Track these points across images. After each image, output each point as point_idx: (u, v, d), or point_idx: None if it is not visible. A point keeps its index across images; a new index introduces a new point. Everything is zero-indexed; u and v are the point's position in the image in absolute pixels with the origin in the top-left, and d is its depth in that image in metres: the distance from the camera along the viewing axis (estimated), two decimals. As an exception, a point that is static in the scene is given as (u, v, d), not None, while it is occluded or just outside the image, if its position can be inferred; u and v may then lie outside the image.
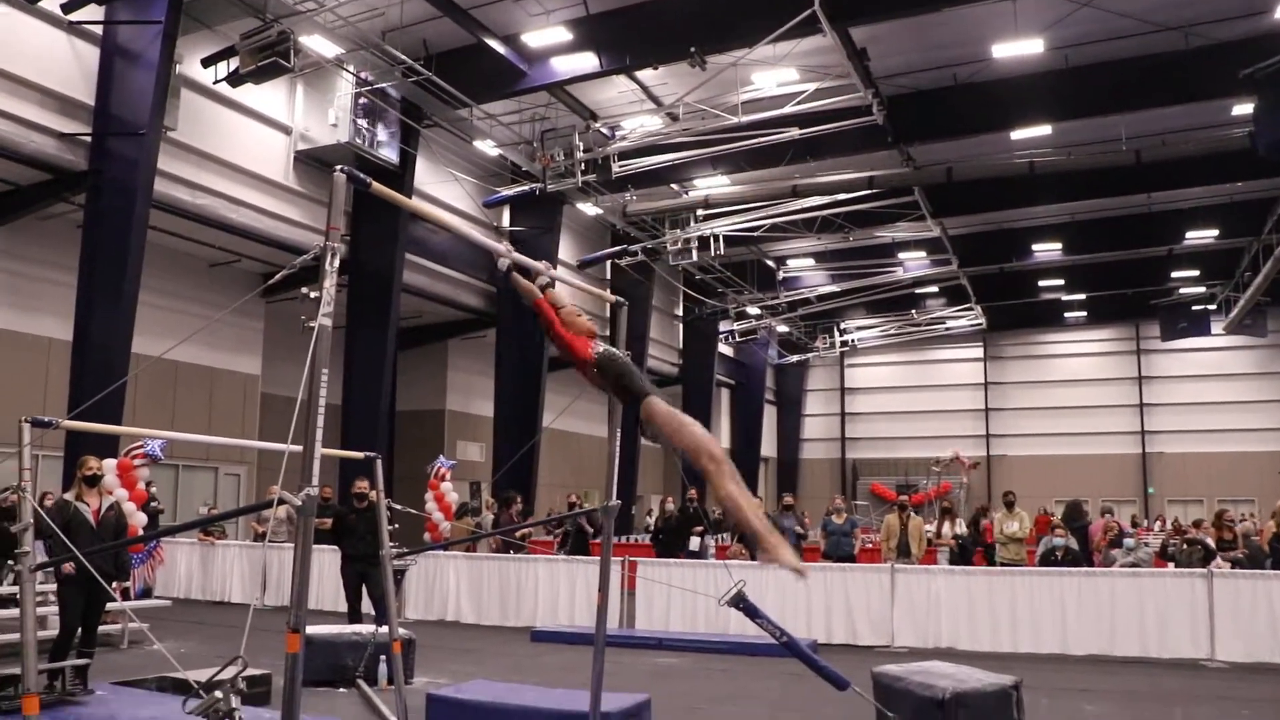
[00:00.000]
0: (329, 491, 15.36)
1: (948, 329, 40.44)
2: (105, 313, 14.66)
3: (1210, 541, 13.03)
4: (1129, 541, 13.53)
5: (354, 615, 11.09)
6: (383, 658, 8.80)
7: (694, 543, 15.96)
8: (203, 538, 16.41)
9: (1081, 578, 11.73)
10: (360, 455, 7.57)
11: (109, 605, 9.23)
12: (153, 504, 15.73)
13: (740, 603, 6.47)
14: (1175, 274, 33.36)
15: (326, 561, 14.68)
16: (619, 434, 6.45)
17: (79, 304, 14.92)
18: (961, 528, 16.26)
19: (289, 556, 14.00)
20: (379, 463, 7.44)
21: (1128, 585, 11.48)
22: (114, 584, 8.78)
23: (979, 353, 42.67)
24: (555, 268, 5.67)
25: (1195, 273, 33.10)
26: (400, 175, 19.62)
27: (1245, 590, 11.13)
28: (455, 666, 10.27)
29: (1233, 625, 11.04)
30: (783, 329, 39.97)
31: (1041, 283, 35.19)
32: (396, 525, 10.29)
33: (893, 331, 41.24)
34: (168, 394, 19.28)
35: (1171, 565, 12.93)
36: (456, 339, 27.25)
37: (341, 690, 8.81)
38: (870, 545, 17.42)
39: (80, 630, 7.70)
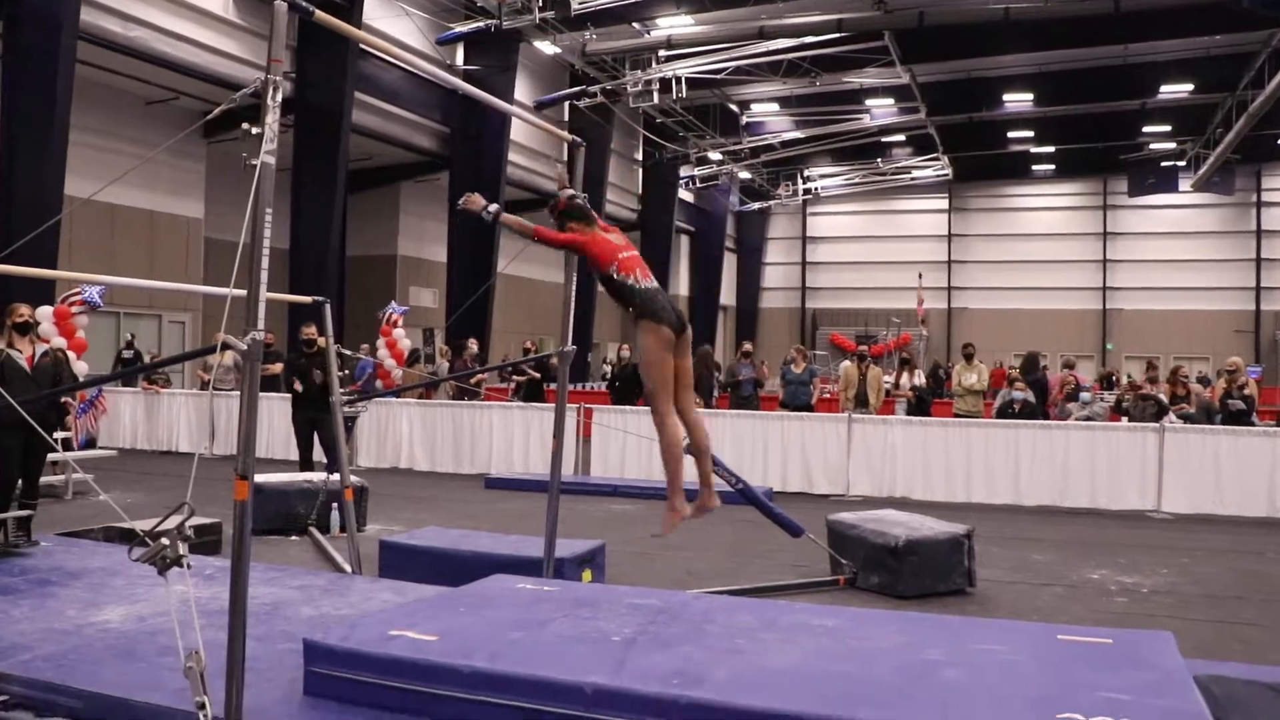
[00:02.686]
0: (273, 337, 15.27)
1: (913, 179, 40.29)
2: (33, 152, 14.15)
3: (1164, 397, 13.33)
4: (1085, 395, 13.82)
5: (305, 463, 11.15)
6: (334, 505, 8.87)
7: None
8: (147, 386, 16.30)
9: (1036, 430, 11.99)
10: (308, 300, 7.46)
11: (52, 456, 9.17)
12: (129, 351, 15.65)
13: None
14: (1146, 129, 33.24)
15: (275, 409, 14.68)
16: (574, 279, 6.39)
17: (4, 143, 14.37)
18: (920, 379, 16.49)
19: (236, 404, 14.00)
20: (328, 308, 7.34)
21: (1081, 438, 11.77)
22: (54, 433, 8.70)
23: (944, 204, 42.65)
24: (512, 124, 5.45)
25: (1167, 128, 33.00)
26: (348, 9, 18.87)
27: (1195, 445, 11.45)
28: (408, 514, 10.40)
29: (1180, 478, 11.40)
30: (745, 175, 39.62)
31: (1010, 134, 34.97)
32: (347, 372, 10.26)
33: (857, 180, 41.05)
34: (106, 239, 18.84)
35: (1125, 420, 13.24)
36: (409, 182, 26.76)
37: (294, 538, 8.91)
38: (828, 395, 17.66)
39: (21, 481, 7.65)
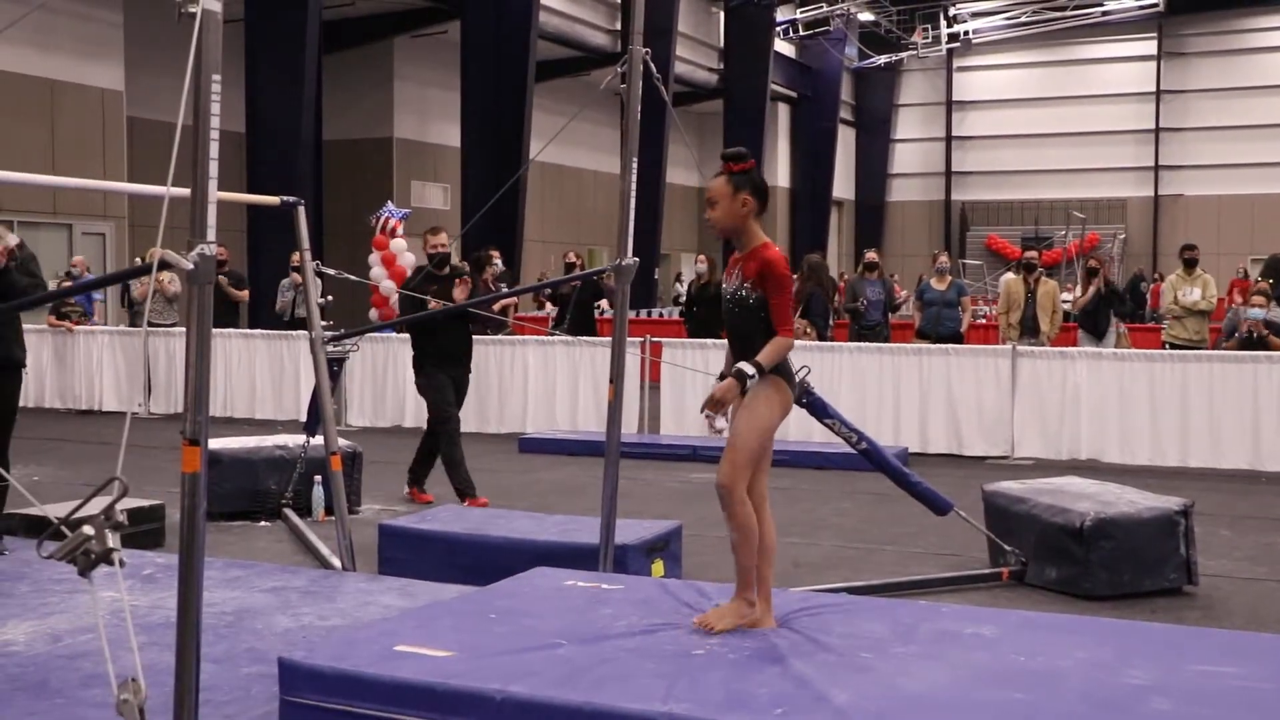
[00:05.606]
0: (226, 252, 15.47)
1: (1106, 13, 39.47)
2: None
3: None
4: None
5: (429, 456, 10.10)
6: (318, 479, 9.00)
7: None
8: (55, 323, 16.57)
9: (1283, 365, 11.78)
10: (275, 201, 7.52)
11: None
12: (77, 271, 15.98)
13: (804, 397, 6.55)
14: None
15: (234, 350, 14.90)
16: (635, 166, 6.37)
17: None
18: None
19: (181, 345, 14.18)
20: (301, 211, 7.40)
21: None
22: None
23: (1150, 48, 41.71)
24: None
25: None
26: None
27: None
28: (416, 489, 10.55)
29: None
30: (866, 17, 39.07)
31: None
32: (330, 299, 10.27)
33: (1024, 18, 40.31)
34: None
35: None
36: (405, 36, 26.74)
37: (264, 523, 9.08)
38: (984, 319, 17.50)
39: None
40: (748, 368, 4.95)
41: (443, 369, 9.98)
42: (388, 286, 16.17)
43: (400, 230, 17.05)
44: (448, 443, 9.82)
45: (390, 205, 17.55)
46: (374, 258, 16.97)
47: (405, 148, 27.45)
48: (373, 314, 16.84)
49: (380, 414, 14.80)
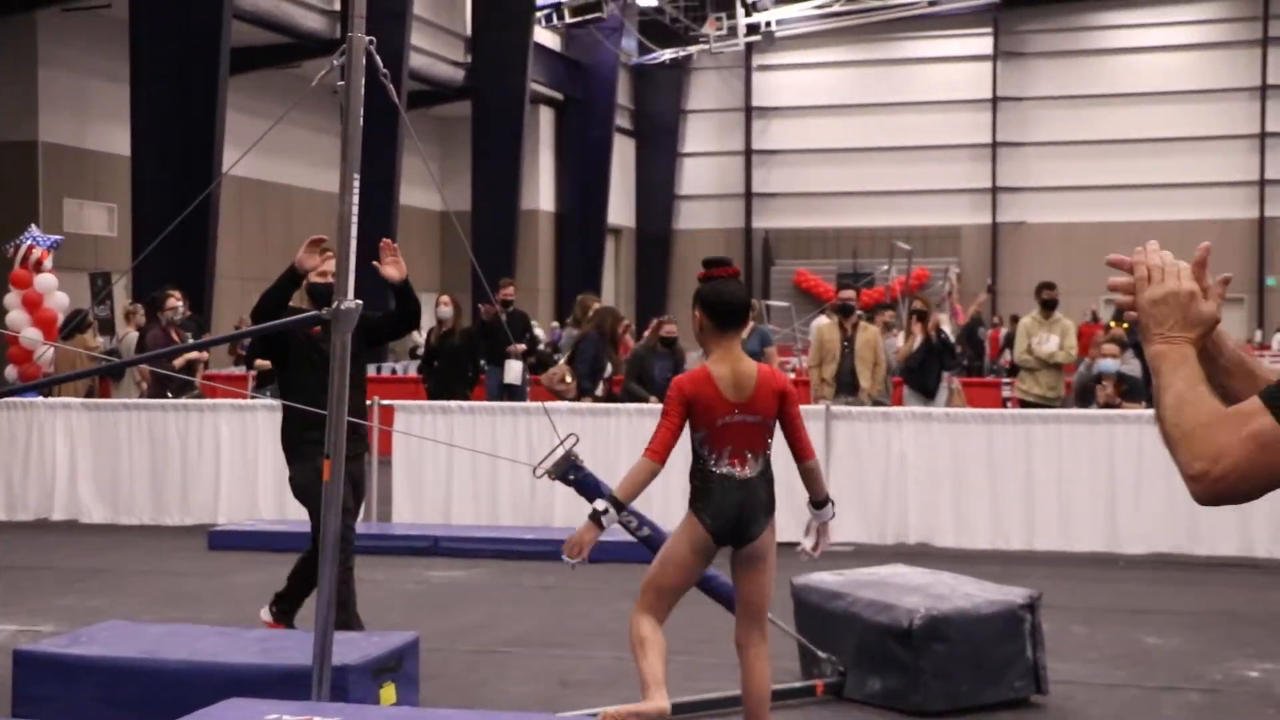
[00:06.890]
0: None
1: (933, 2, 40.60)
2: None
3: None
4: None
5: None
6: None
7: (512, 370, 16.07)
8: None
9: (1145, 428, 12.15)
10: None
11: None
12: None
13: (570, 474, 6.55)
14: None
15: None
16: (357, 184, 6.30)
17: None
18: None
19: None
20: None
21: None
22: None
23: (985, 46, 43.09)
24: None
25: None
26: None
27: None
28: (69, 601, 10.29)
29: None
30: (647, 2, 39.59)
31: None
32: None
33: (838, 8, 41.24)
34: None
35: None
36: (53, 10, 26.18)
37: None
38: (792, 374, 17.78)
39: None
40: (600, 504, 5.88)
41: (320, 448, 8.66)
42: (31, 336, 15.72)
43: (48, 262, 16.59)
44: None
45: (34, 230, 17.09)
46: (12, 298, 16.49)
47: (55, 155, 26.76)
48: (10, 372, 16.34)
49: (20, 504, 14.38)
